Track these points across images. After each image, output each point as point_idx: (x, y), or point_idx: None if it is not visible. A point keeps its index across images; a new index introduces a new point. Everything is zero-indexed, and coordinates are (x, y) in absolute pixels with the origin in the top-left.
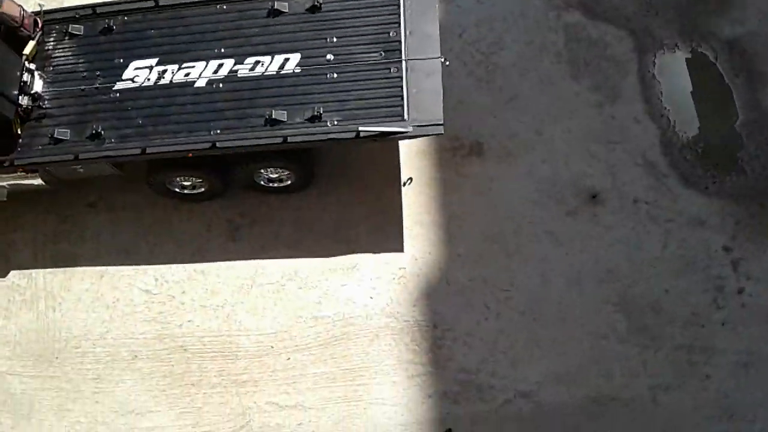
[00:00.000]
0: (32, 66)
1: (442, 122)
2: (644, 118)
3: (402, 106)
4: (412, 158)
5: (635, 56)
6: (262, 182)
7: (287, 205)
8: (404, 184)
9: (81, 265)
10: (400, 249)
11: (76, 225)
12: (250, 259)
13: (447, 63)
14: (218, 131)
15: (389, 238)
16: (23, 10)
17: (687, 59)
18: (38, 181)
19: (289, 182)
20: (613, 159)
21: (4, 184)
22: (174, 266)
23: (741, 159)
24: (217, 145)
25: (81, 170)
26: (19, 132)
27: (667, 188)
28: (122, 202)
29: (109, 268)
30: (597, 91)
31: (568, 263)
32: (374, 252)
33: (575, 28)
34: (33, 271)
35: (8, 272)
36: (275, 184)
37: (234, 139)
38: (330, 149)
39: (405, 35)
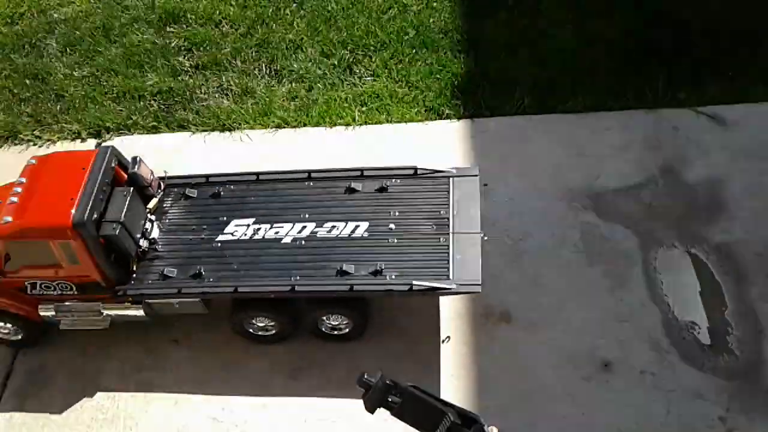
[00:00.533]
0: (153, 217)
1: (480, 283)
2: (648, 302)
3: (448, 268)
4: (451, 320)
5: (640, 252)
6: (324, 329)
7: (342, 352)
8: (443, 342)
9: (159, 392)
10: None
11: (159, 357)
12: (307, 396)
13: (486, 238)
14: (297, 278)
15: (427, 389)
16: (152, 173)
17: (683, 257)
18: (140, 313)
19: (346, 330)
20: (622, 335)
21: (111, 313)
22: (240, 398)
23: (731, 342)
24: (296, 288)
25: (176, 306)
26: (134, 268)
27: (669, 363)
28: (202, 340)
29: (183, 395)
30: (608, 278)
31: (584, 422)
32: None
33: (590, 226)
34: (116, 394)
35: (95, 393)
36: (335, 332)
37: (310, 285)
38: (385, 303)
39: (453, 214)
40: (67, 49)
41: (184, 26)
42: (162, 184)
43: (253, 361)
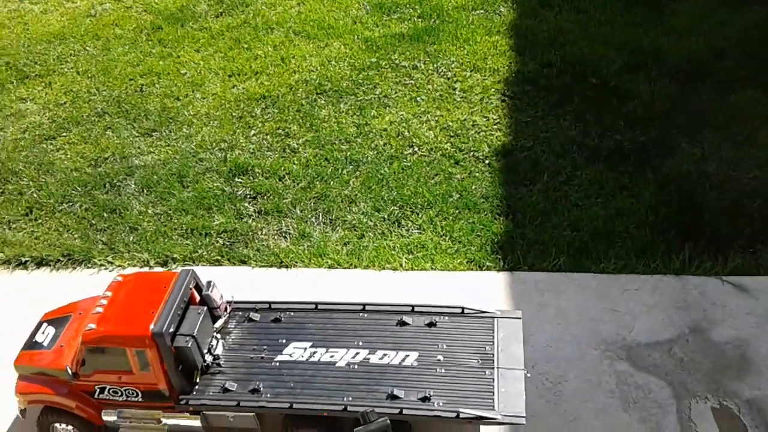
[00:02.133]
0: (218, 336)
1: (524, 416)
2: None
3: (493, 399)
4: None
5: (674, 401)
6: None
7: None
8: None
9: None
10: None
11: None
12: None
13: (528, 375)
14: (350, 399)
15: None
16: (222, 297)
17: (715, 409)
18: (197, 423)
19: None
20: None
21: (170, 422)
22: None
23: None
24: (348, 409)
25: (231, 419)
26: (197, 381)
27: None
28: None
29: None
30: (644, 423)
31: None
32: None
33: (624, 374)
34: None
35: None
36: None
37: (362, 406)
38: (430, 426)
39: (497, 351)
40: (144, 190)
41: (251, 178)
42: (229, 307)
43: None
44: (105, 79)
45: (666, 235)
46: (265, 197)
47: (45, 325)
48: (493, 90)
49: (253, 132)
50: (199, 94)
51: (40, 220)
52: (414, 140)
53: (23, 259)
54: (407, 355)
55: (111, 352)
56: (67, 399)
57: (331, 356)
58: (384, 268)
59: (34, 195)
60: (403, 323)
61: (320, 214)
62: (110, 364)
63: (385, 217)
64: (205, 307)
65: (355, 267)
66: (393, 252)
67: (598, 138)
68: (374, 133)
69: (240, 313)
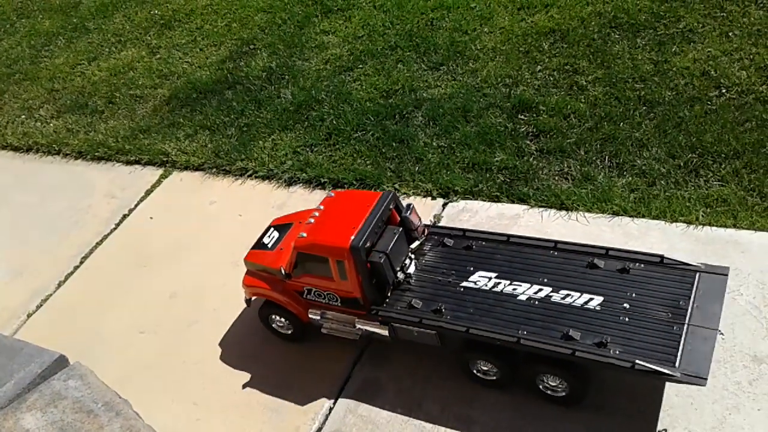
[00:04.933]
0: (412, 256)
1: (706, 378)
2: None
3: (676, 355)
4: None
5: None
6: (540, 386)
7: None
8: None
9: (477, 430)
10: None
11: (480, 396)
12: None
13: (723, 336)
14: (525, 332)
15: None
16: (420, 220)
17: None
18: (385, 332)
19: (563, 394)
20: None
21: (363, 328)
22: None
23: None
24: (521, 341)
25: (415, 334)
26: (389, 295)
27: None
28: (520, 390)
29: None
30: None
31: None
32: None
33: None
34: (438, 421)
35: (419, 414)
36: (550, 392)
37: (535, 341)
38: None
39: (692, 307)
40: (430, 123)
41: (534, 115)
42: (427, 231)
43: (569, 421)
44: (399, 13)
45: None
46: (548, 136)
47: (272, 229)
48: None
49: (539, 68)
50: (487, 28)
51: (337, 146)
52: (722, 81)
53: (322, 180)
54: (591, 299)
55: (317, 259)
56: (281, 295)
57: (514, 289)
58: (676, 220)
59: (334, 122)
60: (593, 266)
61: (606, 157)
62: (316, 269)
63: (681, 164)
64: (401, 228)
65: (643, 216)
66: (688, 204)
67: None
68: (674, 71)
69: (436, 237)
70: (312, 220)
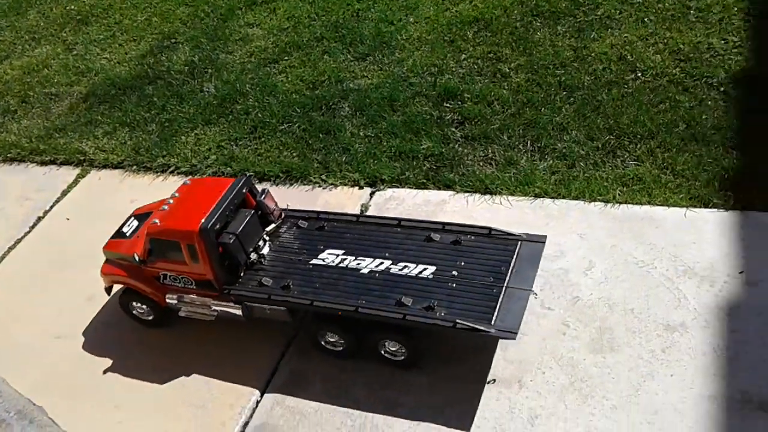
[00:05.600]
0: (267, 238)
1: (516, 332)
2: None
3: (492, 314)
4: (702, 399)
5: None
6: (383, 352)
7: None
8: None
9: (402, 412)
10: None
11: (404, 380)
12: None
13: (536, 296)
14: (363, 302)
15: None
16: (276, 204)
17: None
18: (239, 312)
19: (402, 358)
20: None
21: (218, 309)
22: (478, 431)
23: None
24: (359, 310)
25: (268, 311)
26: (242, 275)
27: None
28: (444, 371)
29: (424, 421)
30: None
31: None
32: None
33: None
34: (364, 406)
35: (346, 401)
36: (390, 357)
37: (371, 308)
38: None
39: (511, 271)
40: (357, 113)
41: (459, 103)
42: (283, 214)
43: (493, 402)
44: (324, 5)
45: None
46: (473, 123)
47: (132, 218)
48: (735, 9)
49: (463, 56)
50: (413, 18)
51: (263, 139)
52: (638, 65)
53: (247, 174)
54: (425, 269)
55: (169, 244)
56: (138, 282)
57: (358, 263)
58: (595, 200)
59: (259, 115)
60: (430, 239)
61: (528, 142)
62: (169, 254)
63: (599, 146)
64: (253, 210)
65: (563, 197)
66: (606, 184)
67: None
68: (593, 57)
69: (292, 220)
70: (166, 207)
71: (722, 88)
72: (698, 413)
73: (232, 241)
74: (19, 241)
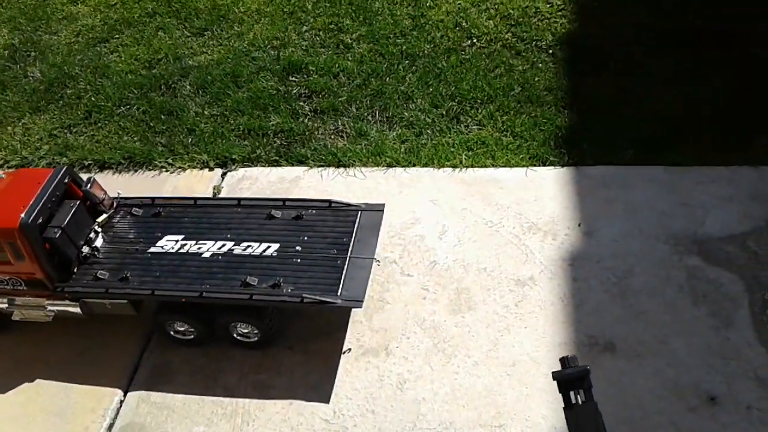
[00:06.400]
0: (99, 229)
1: (362, 300)
2: (755, 343)
3: (338, 285)
4: (555, 347)
5: (746, 295)
6: (235, 335)
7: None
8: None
9: (274, 393)
10: None
11: (275, 361)
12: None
13: (379, 263)
14: (207, 286)
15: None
16: (105, 193)
17: None
18: (77, 310)
19: (255, 339)
20: (728, 371)
21: (54, 309)
22: (351, 403)
23: None
24: (204, 295)
25: (108, 306)
26: (75, 271)
27: None
28: (314, 348)
29: (297, 399)
30: (714, 317)
31: None
32: None
33: (694, 269)
34: (235, 392)
35: (215, 390)
36: (245, 339)
37: (215, 292)
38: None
39: (354, 241)
40: (199, 91)
41: (305, 76)
42: (114, 203)
43: (362, 372)
44: None
45: (743, 125)
46: (320, 96)
47: None
48: None
49: (305, 28)
50: None
51: (99, 124)
52: (472, 31)
53: (86, 163)
54: (269, 247)
55: None
56: None
57: (199, 248)
58: (443, 166)
59: (92, 99)
60: (271, 217)
61: (376, 112)
62: None
63: (444, 113)
64: (78, 201)
65: (414, 165)
66: (452, 149)
67: (671, 22)
68: (431, 25)
69: (125, 208)
70: None
71: (551, 51)
72: (552, 360)
73: (58, 234)
74: None
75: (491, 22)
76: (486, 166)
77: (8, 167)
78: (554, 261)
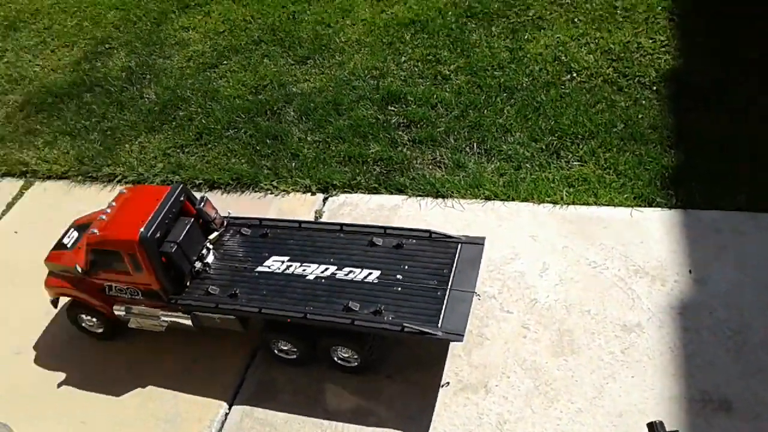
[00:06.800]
0: (210, 246)
1: (462, 334)
2: None
3: (439, 317)
4: (664, 401)
5: None
6: (336, 358)
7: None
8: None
9: (373, 421)
10: None
11: (374, 388)
12: None
13: (479, 297)
14: (311, 308)
15: None
16: (217, 212)
17: None
18: (188, 322)
19: (356, 364)
20: None
21: (167, 319)
22: None
23: None
24: (308, 316)
25: (218, 321)
26: (188, 284)
27: None
28: (413, 378)
29: (396, 429)
30: None
31: None
32: None
33: None
34: (335, 416)
35: (317, 411)
36: (345, 364)
37: (319, 315)
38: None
39: (454, 273)
40: (303, 118)
41: (404, 106)
42: (225, 222)
43: (461, 408)
44: (259, 7)
45: None
46: (419, 126)
47: (72, 229)
48: (659, 8)
49: (403, 58)
50: (349, 20)
51: (209, 145)
52: (572, 65)
53: (197, 182)
54: (370, 273)
55: (110, 254)
56: (83, 293)
57: (303, 270)
58: (543, 201)
59: (203, 121)
60: (373, 244)
61: (474, 144)
62: (112, 264)
63: (543, 147)
64: (192, 219)
65: (513, 199)
66: (552, 185)
67: None
68: (529, 57)
69: (234, 227)
70: (103, 217)
71: (654, 87)
72: (661, 415)
73: (174, 249)
74: None
75: (591, 56)
76: (588, 204)
77: (125, 182)
78: (663, 308)
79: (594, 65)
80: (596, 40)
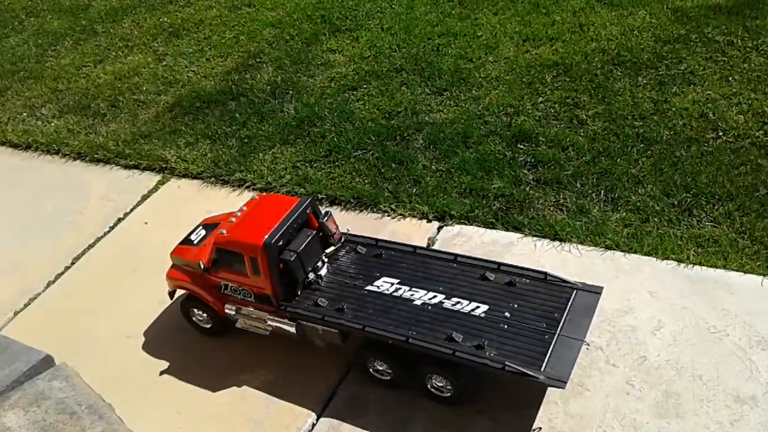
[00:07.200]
0: (326, 260)
1: (566, 381)
2: None
3: (542, 360)
4: None
5: None
6: (429, 386)
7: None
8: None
9: None
10: None
11: (462, 422)
12: None
13: (588, 347)
14: (414, 333)
15: None
16: (337, 228)
17: None
18: (292, 330)
19: (449, 395)
20: None
21: (273, 324)
22: None
23: None
24: (409, 340)
25: (320, 332)
26: (299, 293)
27: None
28: (503, 418)
29: None
30: None
31: None
32: None
33: None
34: None
35: None
36: (437, 392)
37: (421, 341)
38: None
39: (565, 319)
40: (430, 146)
41: (534, 145)
42: (342, 238)
43: None
44: (406, 37)
45: None
46: (546, 166)
47: (200, 227)
48: None
49: (540, 99)
50: (492, 57)
51: (337, 163)
52: (719, 124)
53: (320, 196)
54: (478, 306)
55: (233, 255)
56: (200, 289)
57: (411, 294)
58: (667, 258)
59: (334, 139)
60: (485, 278)
61: (602, 191)
62: (232, 265)
63: (675, 203)
64: (314, 231)
65: (635, 252)
66: (680, 242)
67: None
68: (673, 111)
69: (351, 244)
70: (233, 219)
71: None
72: None
73: (293, 258)
74: (99, 239)
75: (742, 116)
76: (716, 267)
77: (254, 189)
78: None
79: (743, 126)
80: (749, 101)
